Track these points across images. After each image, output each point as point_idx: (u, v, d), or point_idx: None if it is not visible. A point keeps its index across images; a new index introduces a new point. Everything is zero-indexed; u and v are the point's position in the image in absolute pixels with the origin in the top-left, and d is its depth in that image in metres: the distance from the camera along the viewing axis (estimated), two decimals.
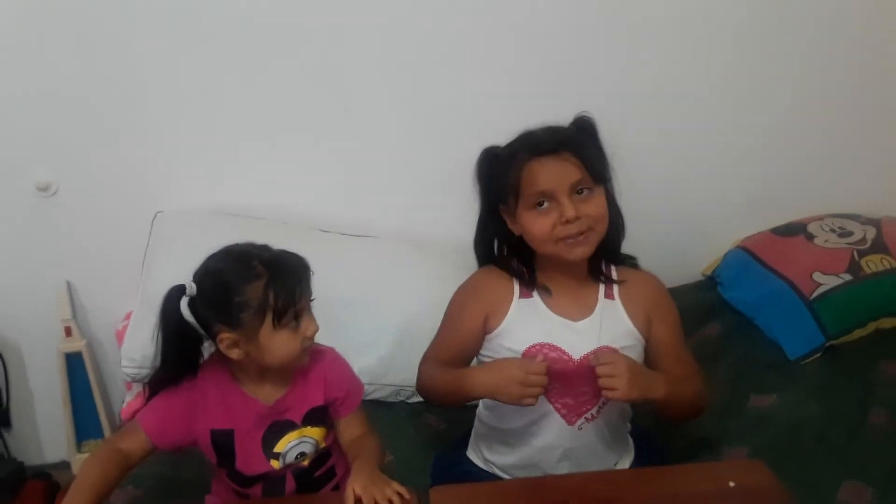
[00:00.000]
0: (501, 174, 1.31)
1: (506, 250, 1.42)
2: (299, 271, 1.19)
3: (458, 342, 1.40)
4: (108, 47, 1.86)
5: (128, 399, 1.93)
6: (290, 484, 1.30)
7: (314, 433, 1.29)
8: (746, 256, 2.09)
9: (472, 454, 1.53)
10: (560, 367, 1.30)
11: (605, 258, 1.39)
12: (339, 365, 1.32)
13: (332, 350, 1.33)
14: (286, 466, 1.28)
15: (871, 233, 2.00)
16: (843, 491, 1.47)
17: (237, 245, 1.21)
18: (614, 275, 1.39)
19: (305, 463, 1.30)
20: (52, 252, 2.04)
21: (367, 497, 1.12)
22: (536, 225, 1.28)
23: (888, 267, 1.90)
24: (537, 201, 1.27)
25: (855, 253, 1.93)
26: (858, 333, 1.88)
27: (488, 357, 1.40)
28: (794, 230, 2.08)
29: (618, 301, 1.37)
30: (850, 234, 2.01)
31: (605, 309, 1.36)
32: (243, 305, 1.14)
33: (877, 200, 2.19)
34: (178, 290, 1.17)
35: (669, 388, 1.28)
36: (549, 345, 1.33)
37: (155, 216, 1.98)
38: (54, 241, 2.03)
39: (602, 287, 1.38)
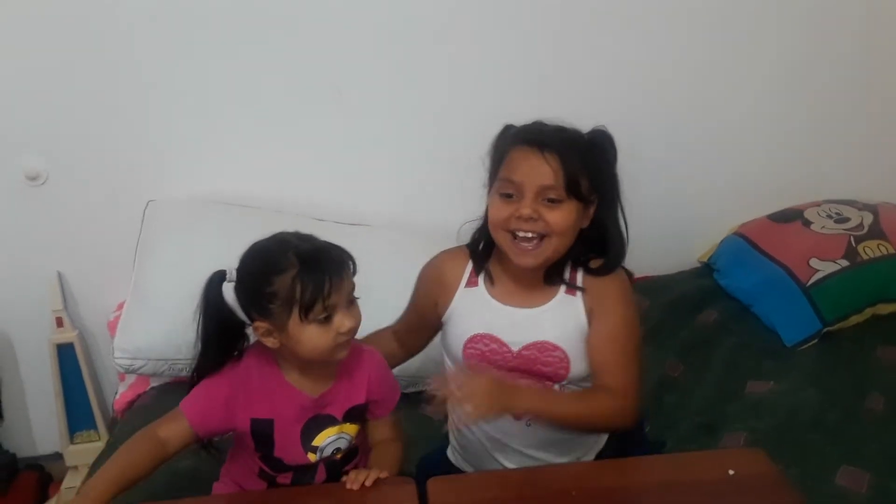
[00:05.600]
0: (496, 152, 1.30)
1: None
2: (335, 265, 1.15)
3: (416, 314, 1.44)
4: (99, 35, 1.83)
5: (121, 390, 1.92)
6: (320, 474, 1.28)
7: (351, 430, 1.27)
8: (743, 243, 2.09)
9: (449, 451, 1.51)
10: (498, 358, 1.29)
11: (585, 269, 1.33)
12: (382, 366, 1.30)
13: (373, 350, 1.31)
14: (321, 460, 1.26)
15: (868, 219, 2.00)
16: (841, 476, 1.49)
17: (283, 233, 1.19)
18: (579, 281, 1.32)
19: (339, 457, 1.28)
20: (43, 242, 2.02)
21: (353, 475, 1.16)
22: (495, 208, 1.27)
23: (885, 253, 1.91)
24: (507, 189, 1.25)
25: (852, 239, 1.93)
26: (855, 319, 1.89)
27: (443, 344, 1.41)
28: (790, 216, 2.08)
29: (579, 297, 1.31)
30: (847, 220, 2.01)
31: (563, 304, 1.31)
32: (272, 296, 1.13)
33: (874, 187, 2.20)
34: (220, 276, 1.17)
35: (541, 405, 1.23)
36: (488, 335, 1.31)
37: (147, 205, 1.96)
38: (44, 231, 2.00)
39: (563, 285, 1.33)
